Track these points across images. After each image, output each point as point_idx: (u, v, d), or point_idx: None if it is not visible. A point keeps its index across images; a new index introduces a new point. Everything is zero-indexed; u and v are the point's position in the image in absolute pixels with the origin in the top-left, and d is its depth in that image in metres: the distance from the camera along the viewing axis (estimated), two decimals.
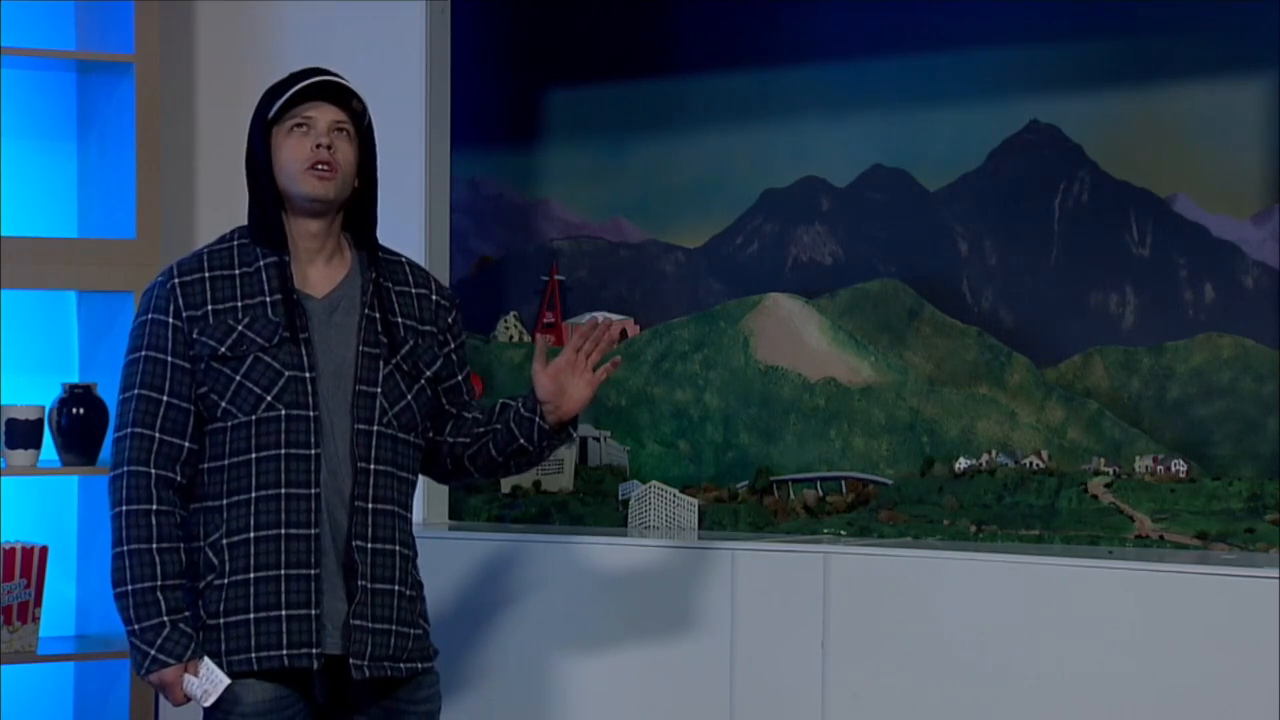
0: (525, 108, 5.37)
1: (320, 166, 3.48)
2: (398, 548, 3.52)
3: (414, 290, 3.60)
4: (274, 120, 3.50)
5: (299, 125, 3.49)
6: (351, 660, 3.45)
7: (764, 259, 5.09)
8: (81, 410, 4.59)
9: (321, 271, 3.54)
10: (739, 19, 5.08)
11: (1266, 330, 4.43)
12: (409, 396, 3.55)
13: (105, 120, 4.74)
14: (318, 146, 3.48)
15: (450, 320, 3.64)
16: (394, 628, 3.50)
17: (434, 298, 3.62)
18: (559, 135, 5.33)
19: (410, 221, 4.93)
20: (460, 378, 3.66)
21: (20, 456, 4.59)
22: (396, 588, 3.51)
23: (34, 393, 4.68)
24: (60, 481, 4.78)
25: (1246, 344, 4.47)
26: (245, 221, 3.57)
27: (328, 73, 3.54)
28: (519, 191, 5.41)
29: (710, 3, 5.12)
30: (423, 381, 3.57)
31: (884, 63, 4.90)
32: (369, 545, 3.48)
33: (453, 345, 3.64)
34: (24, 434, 4.59)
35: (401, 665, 3.52)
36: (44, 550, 4.61)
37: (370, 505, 3.48)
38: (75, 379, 4.75)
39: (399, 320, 3.56)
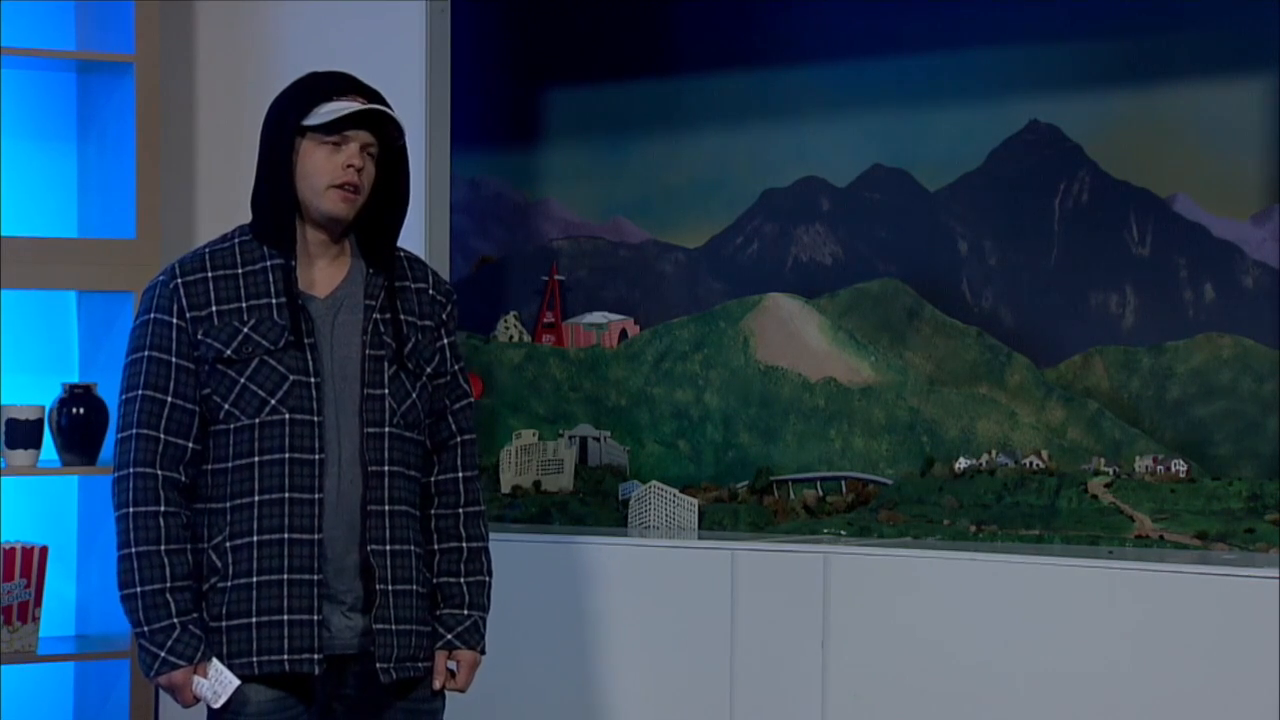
0: (525, 108, 5.37)
1: (347, 187, 3.47)
2: (413, 548, 3.53)
3: (413, 285, 3.59)
4: (309, 127, 3.46)
5: (333, 142, 3.46)
6: (378, 665, 3.46)
7: (764, 259, 5.09)
8: (81, 410, 4.59)
9: (325, 271, 3.53)
10: (739, 19, 5.08)
11: (1266, 330, 4.43)
12: (414, 395, 3.54)
13: (105, 120, 4.73)
14: (348, 167, 3.46)
15: (445, 315, 3.62)
16: (414, 628, 3.52)
17: (431, 292, 3.61)
18: (559, 135, 5.33)
19: (410, 221, 4.89)
20: (451, 373, 3.63)
21: (20, 456, 4.59)
22: (415, 588, 3.52)
23: (34, 393, 4.68)
24: (60, 481, 4.78)
25: (1246, 344, 4.47)
26: (247, 220, 3.56)
27: (372, 92, 3.50)
28: (519, 191, 5.41)
29: (710, 3, 5.12)
30: (424, 378, 3.57)
31: (884, 63, 4.90)
32: (387, 548, 3.48)
33: (446, 340, 3.62)
34: (24, 434, 4.58)
35: (420, 665, 3.54)
36: (44, 550, 4.60)
37: (387, 508, 3.48)
38: (75, 379, 4.75)
39: (404, 318, 3.55)
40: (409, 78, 4.93)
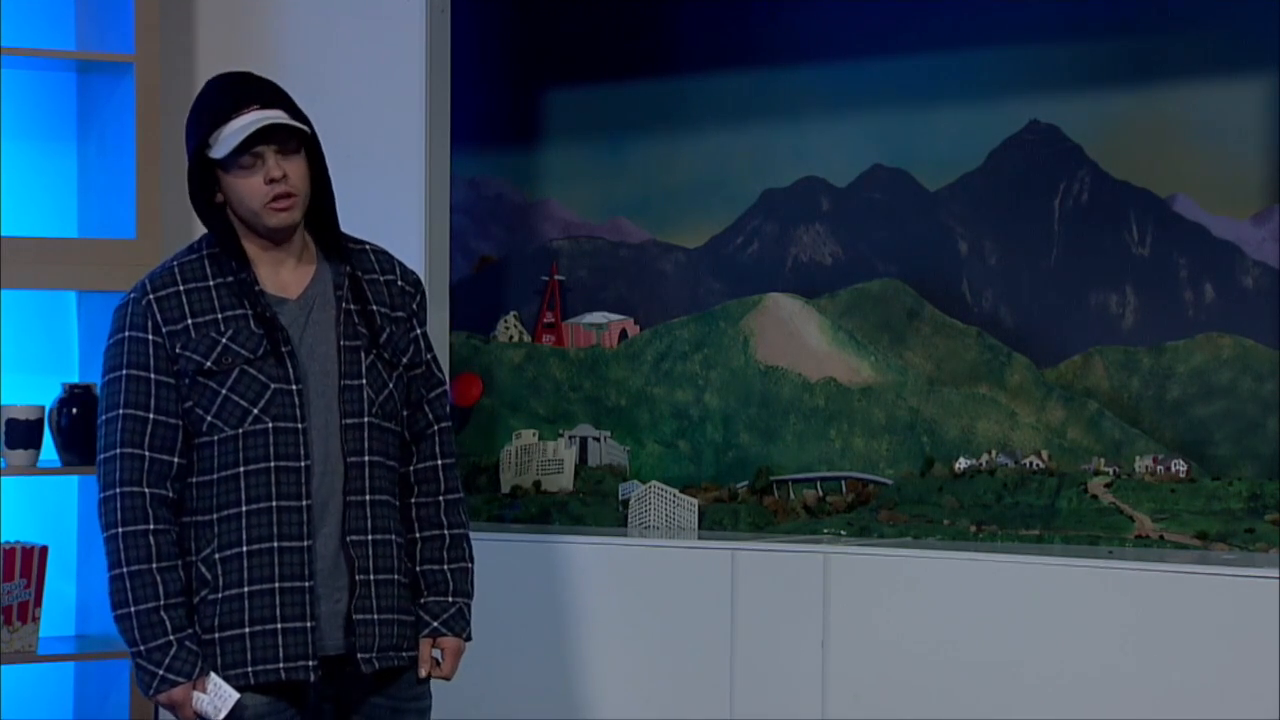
0: (525, 108, 5.37)
1: (278, 200, 3.43)
2: (393, 537, 3.53)
3: (382, 277, 3.59)
4: (218, 162, 3.43)
5: (247, 165, 3.42)
6: (359, 655, 3.45)
7: (764, 259, 5.09)
8: (81, 410, 4.59)
9: (293, 272, 3.52)
10: (739, 19, 5.08)
11: (1266, 330, 4.43)
12: (390, 385, 3.54)
13: (105, 120, 4.73)
14: (272, 181, 3.42)
15: (415, 305, 3.61)
16: (395, 616, 3.52)
17: (400, 284, 3.61)
18: (559, 135, 5.33)
19: (410, 221, 4.92)
20: (425, 362, 3.62)
21: (20, 456, 4.58)
22: (396, 577, 3.52)
23: (34, 393, 4.68)
24: (60, 481, 4.78)
25: (1246, 344, 4.47)
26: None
27: (268, 93, 3.44)
28: (519, 191, 5.41)
29: (710, 3, 5.12)
30: (400, 369, 3.56)
31: (884, 63, 4.90)
32: (369, 538, 3.48)
33: (419, 330, 3.62)
34: (24, 434, 4.58)
35: (404, 654, 3.53)
36: (44, 550, 4.60)
37: (367, 498, 3.48)
38: (75, 379, 4.75)
39: (375, 309, 3.54)
40: (409, 78, 4.93)
